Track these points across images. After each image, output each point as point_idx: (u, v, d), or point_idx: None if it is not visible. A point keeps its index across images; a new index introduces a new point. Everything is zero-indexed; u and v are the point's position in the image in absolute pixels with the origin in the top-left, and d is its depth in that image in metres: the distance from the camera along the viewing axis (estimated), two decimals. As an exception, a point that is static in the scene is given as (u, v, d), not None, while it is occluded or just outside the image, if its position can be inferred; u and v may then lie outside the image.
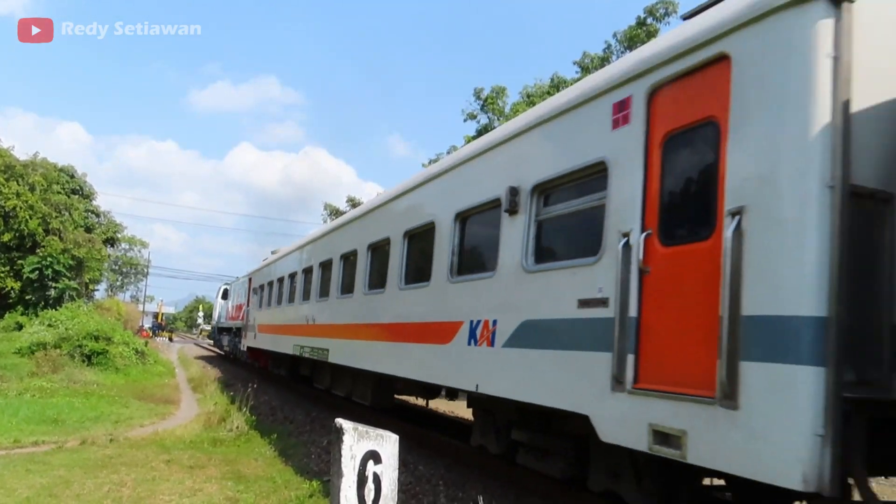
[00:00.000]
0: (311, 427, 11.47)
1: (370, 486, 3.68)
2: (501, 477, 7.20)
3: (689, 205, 4.15)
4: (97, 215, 46.56)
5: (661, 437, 3.85)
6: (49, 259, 34.08)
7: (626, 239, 4.36)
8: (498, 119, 29.06)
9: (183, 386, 20.48)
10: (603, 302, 4.52)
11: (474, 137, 28.83)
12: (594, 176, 4.90)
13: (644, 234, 4.23)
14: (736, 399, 3.36)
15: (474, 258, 6.83)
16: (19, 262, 34.34)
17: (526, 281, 5.57)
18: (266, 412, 13.56)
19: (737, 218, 3.47)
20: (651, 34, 24.12)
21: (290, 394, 16.58)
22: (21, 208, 33.87)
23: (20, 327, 29.25)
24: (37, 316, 29.88)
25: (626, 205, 4.45)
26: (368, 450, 3.72)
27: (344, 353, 10.26)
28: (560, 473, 5.66)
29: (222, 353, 34.81)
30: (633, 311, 4.23)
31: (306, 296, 13.30)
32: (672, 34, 4.55)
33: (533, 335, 5.32)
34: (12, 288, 34.30)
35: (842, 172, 3.15)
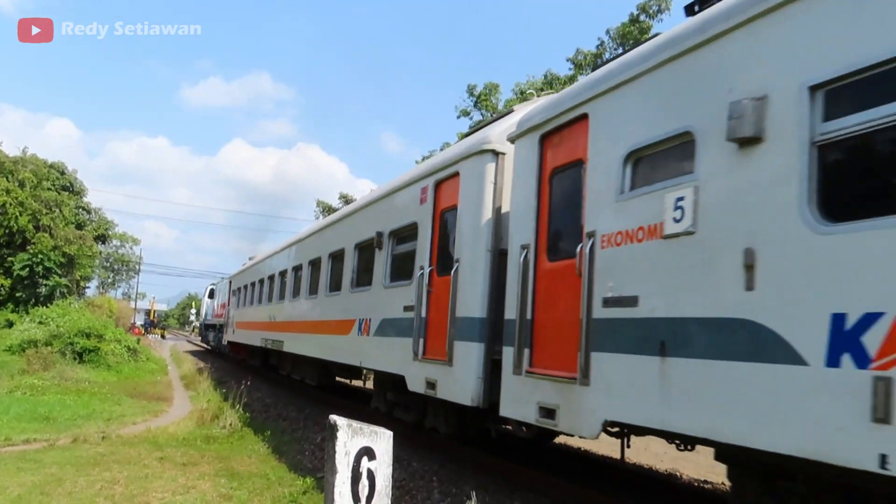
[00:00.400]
0: (305, 424, 11.46)
1: (364, 482, 3.68)
2: (495, 473, 7.23)
3: (447, 252, 7.12)
4: (88, 212, 46.23)
5: (429, 384, 6.97)
6: (40, 256, 33.84)
7: (422, 271, 7.47)
8: (491, 115, 29.04)
9: (176, 383, 20.41)
10: (412, 308, 7.57)
11: (467, 134, 28.81)
12: (412, 230, 7.99)
13: (430, 268, 7.40)
14: (451, 361, 6.54)
15: (363, 276, 9.76)
16: (9, 259, 34.09)
17: (385, 293, 8.66)
18: (259, 409, 13.53)
19: (457, 264, 6.70)
20: (644, 31, 24.16)
21: (284, 391, 16.55)
22: (11, 205, 33.59)
23: (10, 325, 29.09)
24: (27, 313, 29.70)
25: (423, 250, 7.56)
26: (362, 446, 3.72)
27: (294, 343, 13.54)
28: (413, 419, 8.44)
29: (209, 347, 36.71)
30: (423, 314, 7.37)
31: (269, 298, 16.78)
32: (442, 155, 8.28)
33: (386, 327, 8.46)
34: (2, 285, 34.05)
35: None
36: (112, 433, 10.41)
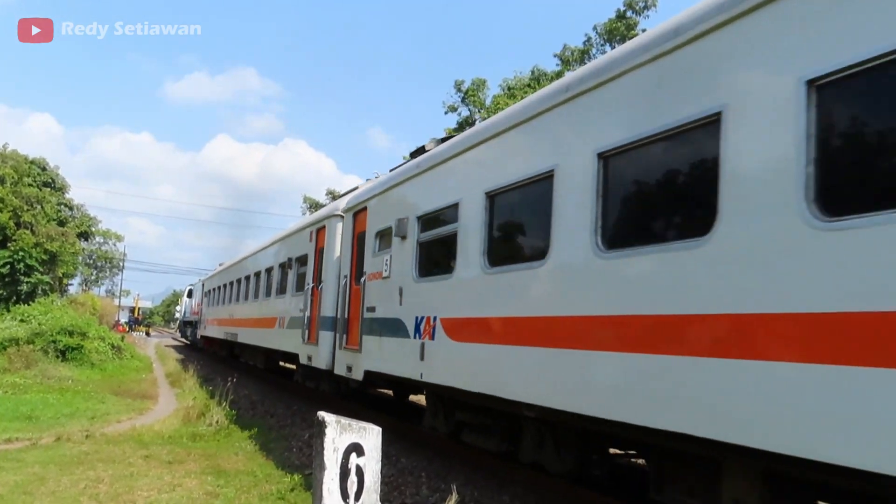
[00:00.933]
0: (292, 421, 11.41)
1: (353, 478, 3.67)
2: (484, 468, 7.24)
3: (320, 274, 11.39)
4: (70, 208, 45.57)
5: (308, 358, 11.49)
6: (21, 253, 33.31)
7: (309, 286, 11.71)
8: (479, 111, 29.02)
9: (161, 381, 20.22)
10: (303, 310, 11.89)
11: (455, 129, 28.76)
12: (305, 258, 12.48)
13: (312, 284, 11.59)
14: (318, 342, 10.76)
15: (281, 286, 14.28)
16: (-10, 256, 33.48)
17: (292, 299, 12.98)
18: (246, 406, 13.45)
19: (322, 283, 11.14)
20: (630, 27, 24.27)
21: (271, 388, 16.47)
22: (-9, 201, 33.00)
23: (-9, 323, 28.53)
24: (8, 311, 29.19)
25: (309, 272, 12.08)
26: (351, 442, 3.71)
27: (245, 335, 18.18)
28: (314, 385, 12.96)
29: (187, 342, 40.48)
30: (308, 313, 11.57)
31: (229, 300, 21.42)
32: (319, 213, 13.16)
33: (291, 322, 12.80)
34: (-18, 283, 33.45)
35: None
36: (96, 432, 10.29)
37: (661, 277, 3.98)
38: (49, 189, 41.11)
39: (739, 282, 3.45)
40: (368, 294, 8.84)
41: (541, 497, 6.19)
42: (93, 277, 70.47)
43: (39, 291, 33.95)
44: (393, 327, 7.91)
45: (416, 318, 7.30)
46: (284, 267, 13.95)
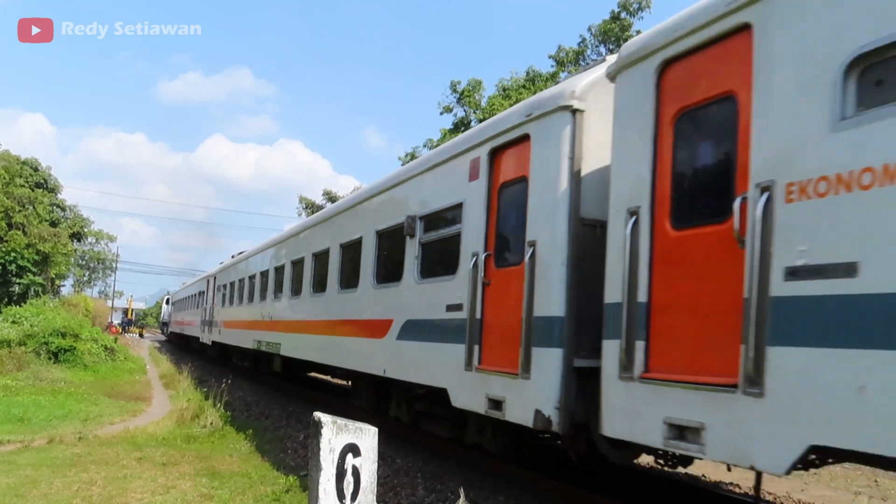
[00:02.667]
0: (287, 422, 11.36)
1: (349, 479, 3.65)
2: (479, 468, 7.23)
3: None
4: (63, 209, 45.33)
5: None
6: (13, 254, 33.11)
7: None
8: (474, 112, 29.03)
9: (155, 382, 20.11)
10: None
11: (451, 130, 28.76)
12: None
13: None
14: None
15: (383, 269, 8.84)
16: (-19, 257, 33.23)
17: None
18: (241, 408, 13.39)
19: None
20: (625, 28, 24.34)
21: (266, 389, 16.41)
22: (-18, 202, 32.78)
23: (-18, 324, 28.29)
24: (0, 313, 28.99)
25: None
26: (347, 443, 3.69)
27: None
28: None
29: (165, 337, 51.30)
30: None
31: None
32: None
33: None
34: (-26, 284, 33.21)
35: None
36: (89, 434, 10.21)
37: None
38: (41, 190, 40.87)
39: None
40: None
41: (537, 497, 6.19)
42: (85, 278, 70.04)
43: (31, 293, 33.73)
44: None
45: None
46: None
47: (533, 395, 4.98)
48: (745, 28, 3.66)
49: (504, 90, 28.01)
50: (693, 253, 3.99)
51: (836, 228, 3.05)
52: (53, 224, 40.86)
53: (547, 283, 5.00)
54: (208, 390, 14.42)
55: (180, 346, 37.40)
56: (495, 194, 5.97)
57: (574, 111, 5.12)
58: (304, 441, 9.21)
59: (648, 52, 4.39)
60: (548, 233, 5.09)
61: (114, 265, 68.51)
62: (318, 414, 3.72)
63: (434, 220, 7.15)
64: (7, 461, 7.93)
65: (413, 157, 29.64)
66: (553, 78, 25.96)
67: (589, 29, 26.63)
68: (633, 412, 4.18)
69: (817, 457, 3.71)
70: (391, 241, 8.21)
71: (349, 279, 9.53)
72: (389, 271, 8.21)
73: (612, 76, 4.82)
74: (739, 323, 3.47)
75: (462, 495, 5.64)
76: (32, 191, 38.68)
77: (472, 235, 6.13)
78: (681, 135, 4.18)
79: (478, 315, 5.87)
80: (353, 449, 3.70)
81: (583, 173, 5.09)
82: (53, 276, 39.76)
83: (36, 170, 41.53)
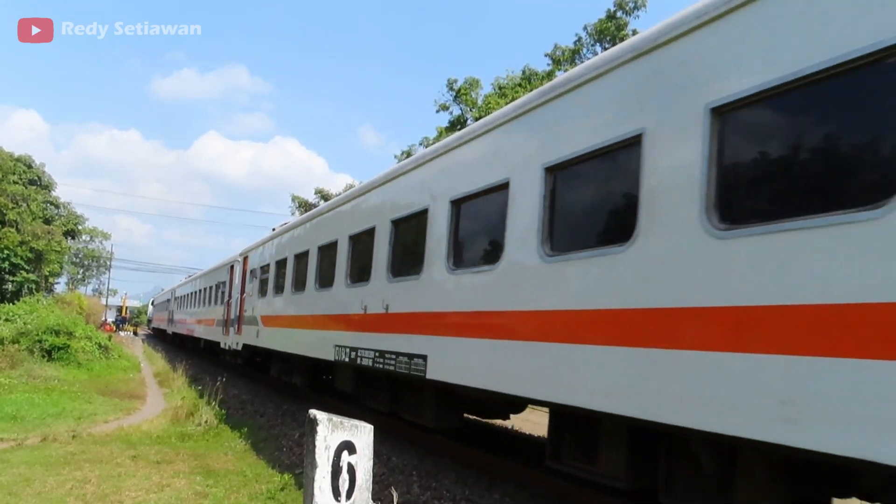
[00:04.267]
0: (283, 420, 11.35)
1: (344, 476, 3.65)
2: (474, 466, 7.24)
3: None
4: (56, 206, 45.13)
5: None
6: (6, 252, 32.94)
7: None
8: (470, 110, 29.01)
9: (149, 380, 20.05)
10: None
11: (447, 129, 28.74)
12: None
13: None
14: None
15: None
16: (-26, 254, 33.03)
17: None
18: (236, 406, 13.36)
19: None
20: (620, 27, 24.36)
21: (261, 387, 16.38)
22: (-25, 199, 32.57)
23: (-25, 322, 28.11)
24: (-7, 310, 28.81)
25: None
26: (343, 440, 3.69)
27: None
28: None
29: (150, 332, 57.17)
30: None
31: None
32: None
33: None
34: (-34, 281, 33.02)
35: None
36: (83, 432, 10.18)
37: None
38: (35, 187, 40.67)
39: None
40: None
41: (531, 494, 6.20)
42: (79, 276, 69.71)
43: (25, 290, 33.59)
44: None
45: None
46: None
47: None
48: (246, 258, 16.58)
49: (500, 88, 27.99)
50: None
51: None
52: (47, 221, 40.67)
53: None
54: (203, 388, 14.40)
55: (175, 344, 37.23)
56: None
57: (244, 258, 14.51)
58: (299, 439, 9.21)
59: (241, 253, 15.29)
60: None
61: (108, 263, 68.26)
62: (313, 411, 3.71)
63: None
64: (0, 459, 7.89)
65: (408, 154, 29.59)
66: (549, 76, 25.97)
67: (585, 28, 26.63)
68: None
69: None
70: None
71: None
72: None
73: (241, 256, 15.57)
74: None
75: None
76: (26, 188, 38.49)
77: None
78: None
79: None
80: (348, 446, 3.71)
81: None
82: (47, 273, 39.57)
83: (29, 167, 41.31)
